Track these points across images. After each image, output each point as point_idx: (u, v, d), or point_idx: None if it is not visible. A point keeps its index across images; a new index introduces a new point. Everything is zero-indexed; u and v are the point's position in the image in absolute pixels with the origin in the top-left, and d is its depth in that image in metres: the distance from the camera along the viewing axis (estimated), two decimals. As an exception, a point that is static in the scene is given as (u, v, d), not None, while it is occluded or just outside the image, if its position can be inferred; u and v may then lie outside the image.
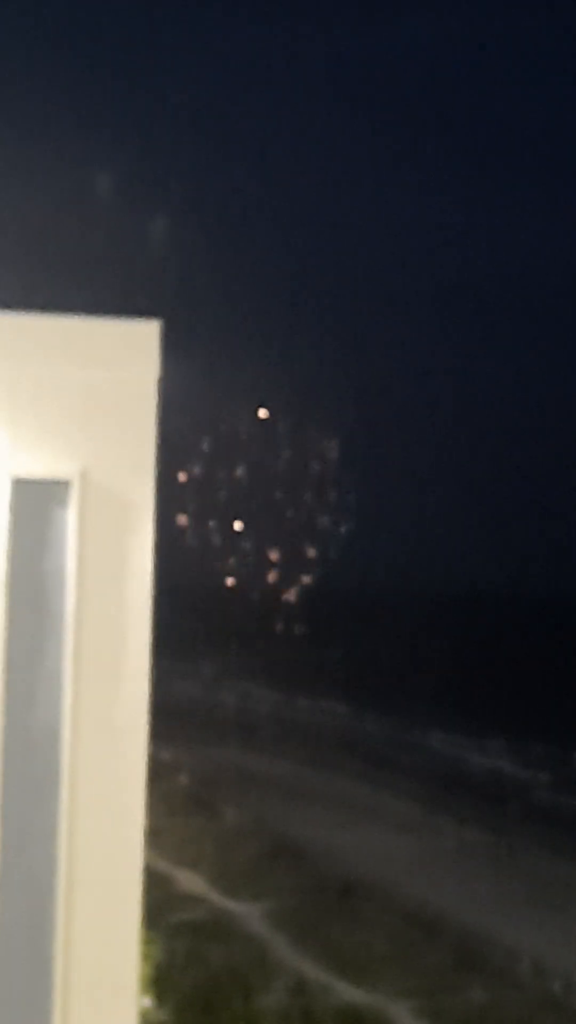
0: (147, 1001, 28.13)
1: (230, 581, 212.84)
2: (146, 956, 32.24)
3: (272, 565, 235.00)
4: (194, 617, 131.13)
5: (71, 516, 10.51)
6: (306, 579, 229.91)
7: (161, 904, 40.53)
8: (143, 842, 11.03)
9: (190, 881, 43.86)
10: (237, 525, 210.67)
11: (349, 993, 33.24)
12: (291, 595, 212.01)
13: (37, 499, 10.40)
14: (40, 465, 10.56)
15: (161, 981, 30.62)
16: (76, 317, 10.81)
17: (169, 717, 75.69)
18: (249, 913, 40.62)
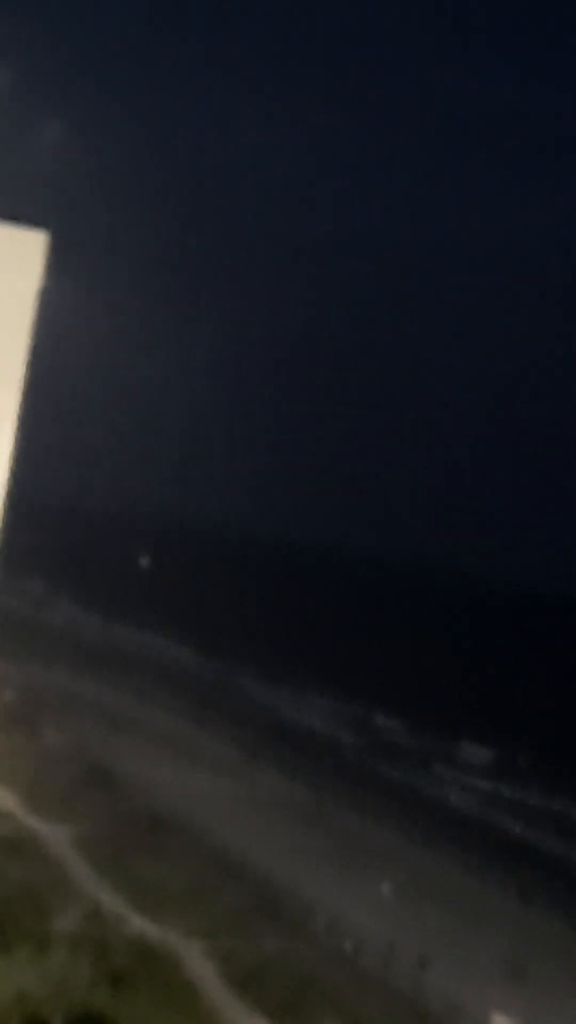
0: None
1: (88, 504, 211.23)
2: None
3: (134, 494, 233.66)
4: (43, 534, 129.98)
5: None
6: (166, 513, 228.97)
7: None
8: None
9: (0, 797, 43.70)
10: (105, 449, 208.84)
11: (143, 926, 33.39)
12: (148, 526, 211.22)
13: None
14: None
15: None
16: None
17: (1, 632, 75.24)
18: (55, 835, 40.58)
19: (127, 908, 34.37)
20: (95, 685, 74.43)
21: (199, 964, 31.35)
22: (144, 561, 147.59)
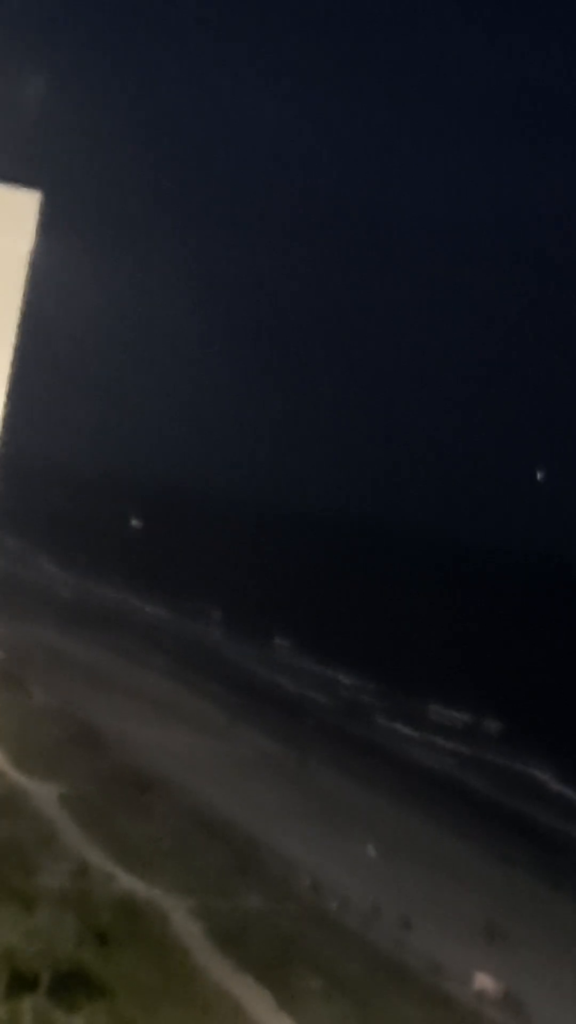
0: None
1: (76, 463, 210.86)
2: None
3: (124, 454, 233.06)
4: (34, 493, 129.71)
5: None
6: (156, 472, 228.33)
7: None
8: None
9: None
10: (96, 408, 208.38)
11: (129, 883, 33.56)
12: (137, 486, 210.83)
13: None
14: None
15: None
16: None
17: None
18: (43, 793, 40.71)
19: (114, 866, 34.53)
20: (78, 643, 74.46)
21: (185, 922, 31.54)
22: (134, 522, 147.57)
